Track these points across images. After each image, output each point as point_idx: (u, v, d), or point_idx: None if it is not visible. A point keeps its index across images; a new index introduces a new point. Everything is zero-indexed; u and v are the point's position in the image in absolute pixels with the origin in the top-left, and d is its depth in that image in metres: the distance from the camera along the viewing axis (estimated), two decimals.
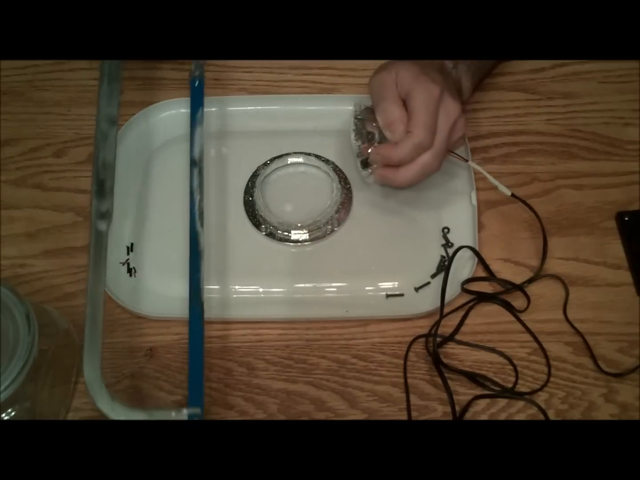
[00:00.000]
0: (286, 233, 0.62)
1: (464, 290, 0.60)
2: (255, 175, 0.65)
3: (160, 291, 0.61)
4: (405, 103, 0.57)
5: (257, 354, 0.58)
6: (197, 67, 0.67)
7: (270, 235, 0.63)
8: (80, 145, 0.69)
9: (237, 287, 0.61)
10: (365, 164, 0.59)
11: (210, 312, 0.59)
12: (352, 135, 0.59)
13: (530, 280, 0.60)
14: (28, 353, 0.48)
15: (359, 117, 0.59)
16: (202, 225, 0.59)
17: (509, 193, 0.61)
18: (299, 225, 0.62)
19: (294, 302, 0.60)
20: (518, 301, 0.60)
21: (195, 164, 0.62)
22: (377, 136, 0.58)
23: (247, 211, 0.64)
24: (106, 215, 0.54)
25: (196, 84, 0.67)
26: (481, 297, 0.60)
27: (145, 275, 0.61)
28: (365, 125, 0.59)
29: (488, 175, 0.61)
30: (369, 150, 0.58)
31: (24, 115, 0.71)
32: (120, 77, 0.61)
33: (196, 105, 0.66)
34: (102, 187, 0.54)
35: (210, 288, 0.60)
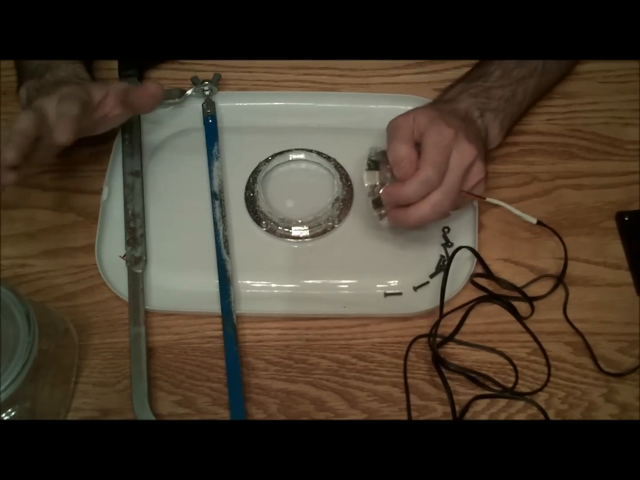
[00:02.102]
0: (287, 229, 0.63)
1: (472, 282, 0.60)
2: (256, 171, 0.66)
3: (161, 285, 0.61)
4: (419, 145, 0.56)
5: (257, 354, 0.58)
6: (210, 105, 0.69)
7: (271, 231, 0.63)
8: (80, 145, 0.69)
9: (237, 282, 0.61)
10: (377, 204, 0.59)
11: (210, 306, 0.59)
12: (365, 176, 0.59)
13: (543, 296, 0.60)
14: (28, 353, 0.48)
15: (373, 158, 0.59)
16: (227, 253, 0.61)
17: (534, 221, 0.60)
18: (300, 221, 0.62)
19: (292, 298, 0.60)
20: (521, 304, 0.60)
21: (216, 196, 0.64)
22: (389, 179, 0.58)
23: (248, 207, 0.64)
24: (140, 260, 0.60)
25: (210, 122, 0.68)
26: (487, 297, 0.60)
27: (147, 268, 0.61)
28: (379, 167, 0.58)
29: (510, 207, 0.59)
30: (380, 191, 0.58)
31: None
32: (141, 132, 0.68)
33: (211, 141, 0.67)
34: (134, 235, 0.62)
35: (210, 283, 0.60)
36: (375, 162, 0.59)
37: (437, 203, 0.55)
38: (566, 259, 0.61)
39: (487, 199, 0.60)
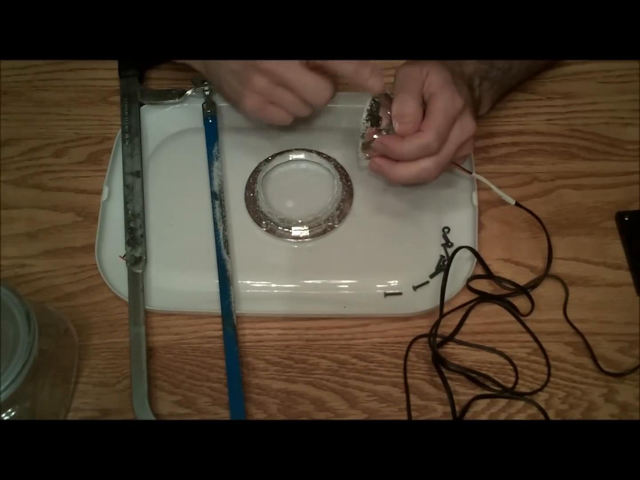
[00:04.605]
0: (287, 229, 0.63)
1: (469, 288, 0.60)
2: (256, 171, 0.66)
3: (161, 285, 0.61)
4: (425, 104, 0.56)
5: (257, 354, 0.58)
6: (210, 105, 0.69)
7: (271, 231, 0.63)
8: (80, 145, 0.69)
9: (237, 282, 0.61)
10: (366, 146, 0.58)
11: (210, 306, 0.59)
12: (364, 114, 0.58)
13: (534, 285, 0.60)
14: (28, 353, 0.48)
15: (377, 99, 0.58)
16: (227, 253, 0.61)
17: (512, 202, 0.61)
18: (300, 221, 0.62)
19: (292, 298, 0.60)
20: (520, 303, 0.60)
21: (216, 196, 0.64)
22: (384, 124, 0.57)
23: (248, 207, 0.64)
24: (140, 260, 0.61)
25: (210, 122, 0.68)
26: (485, 298, 0.60)
27: (147, 268, 0.61)
28: (379, 109, 0.58)
29: (492, 185, 0.60)
30: (374, 136, 0.57)
31: (24, 115, 0.71)
32: (140, 132, 0.68)
33: (211, 141, 0.67)
34: (134, 236, 0.62)
35: (210, 283, 0.60)
36: (378, 104, 0.58)
37: (426, 170, 0.56)
38: (550, 249, 0.61)
39: (473, 175, 0.62)
